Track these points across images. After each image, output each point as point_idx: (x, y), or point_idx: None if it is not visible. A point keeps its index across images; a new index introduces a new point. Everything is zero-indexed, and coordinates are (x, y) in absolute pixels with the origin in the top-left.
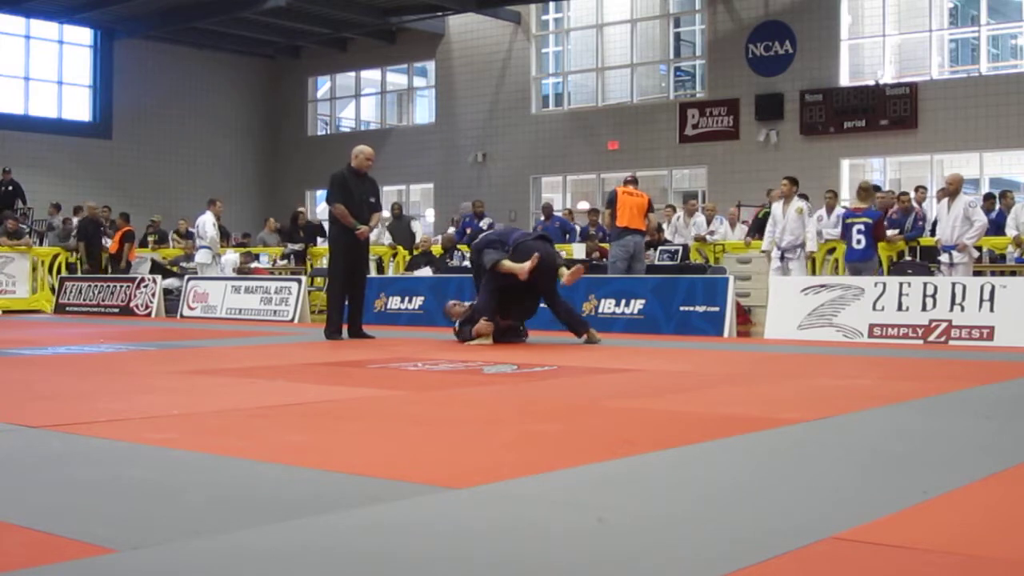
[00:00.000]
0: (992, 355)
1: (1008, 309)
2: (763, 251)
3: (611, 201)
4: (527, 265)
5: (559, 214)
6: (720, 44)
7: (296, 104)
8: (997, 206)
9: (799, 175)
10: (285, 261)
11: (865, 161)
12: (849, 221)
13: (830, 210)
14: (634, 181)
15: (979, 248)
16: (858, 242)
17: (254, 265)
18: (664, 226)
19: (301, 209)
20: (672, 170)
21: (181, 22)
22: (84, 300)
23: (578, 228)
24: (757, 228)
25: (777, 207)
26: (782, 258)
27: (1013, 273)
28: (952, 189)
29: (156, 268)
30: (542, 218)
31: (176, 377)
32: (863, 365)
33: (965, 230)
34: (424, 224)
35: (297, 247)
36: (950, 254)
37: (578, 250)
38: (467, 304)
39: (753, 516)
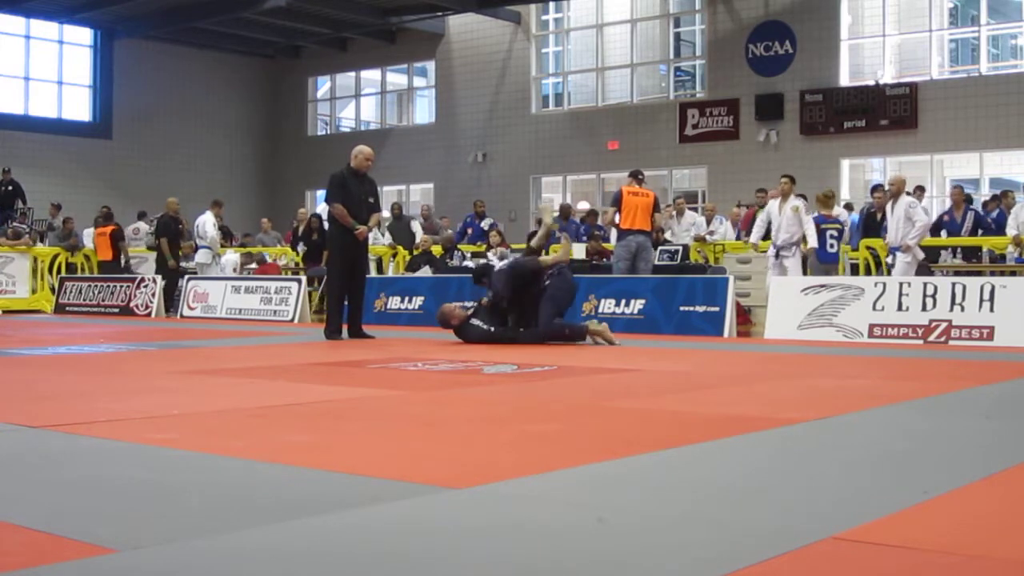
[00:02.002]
0: (992, 355)
1: (1008, 309)
2: (751, 243)
3: (616, 200)
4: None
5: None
6: (720, 44)
7: (296, 104)
8: (999, 206)
9: (799, 175)
10: (286, 262)
11: (865, 161)
12: (824, 227)
13: None
14: (640, 178)
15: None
16: (831, 246)
17: (263, 263)
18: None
19: (309, 212)
20: (672, 170)
21: (181, 22)
22: (84, 300)
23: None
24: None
25: (773, 204)
26: (777, 255)
27: (1013, 273)
28: (895, 190)
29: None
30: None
31: (176, 377)
32: (863, 365)
33: (907, 231)
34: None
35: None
36: (894, 255)
37: (578, 250)
38: (467, 307)
39: (753, 516)
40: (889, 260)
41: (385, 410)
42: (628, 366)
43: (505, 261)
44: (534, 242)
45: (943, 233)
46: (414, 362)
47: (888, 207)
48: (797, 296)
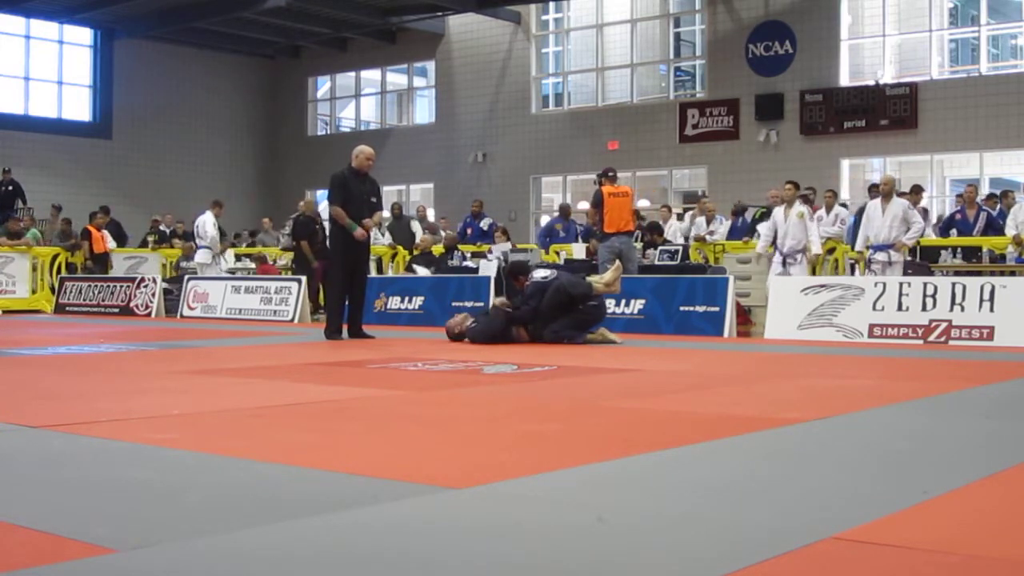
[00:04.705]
0: (992, 355)
1: (1008, 309)
2: (757, 252)
3: (598, 202)
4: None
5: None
6: (720, 44)
7: (296, 104)
8: (998, 205)
9: (799, 175)
10: (285, 262)
11: (865, 161)
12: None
13: (829, 209)
14: (611, 176)
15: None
16: None
17: (263, 263)
18: (664, 226)
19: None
20: (672, 170)
21: (181, 22)
22: (84, 300)
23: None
24: (754, 228)
25: (779, 212)
26: (784, 263)
27: (1013, 273)
28: (886, 190)
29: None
30: (556, 215)
31: (176, 377)
32: (863, 365)
33: (904, 230)
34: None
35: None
36: (888, 253)
37: (578, 249)
38: (470, 319)
39: (753, 516)
40: (881, 257)
41: (385, 410)
42: (628, 366)
43: (551, 274)
44: (604, 279)
45: (953, 232)
46: (414, 362)
47: (876, 206)
48: (797, 296)
